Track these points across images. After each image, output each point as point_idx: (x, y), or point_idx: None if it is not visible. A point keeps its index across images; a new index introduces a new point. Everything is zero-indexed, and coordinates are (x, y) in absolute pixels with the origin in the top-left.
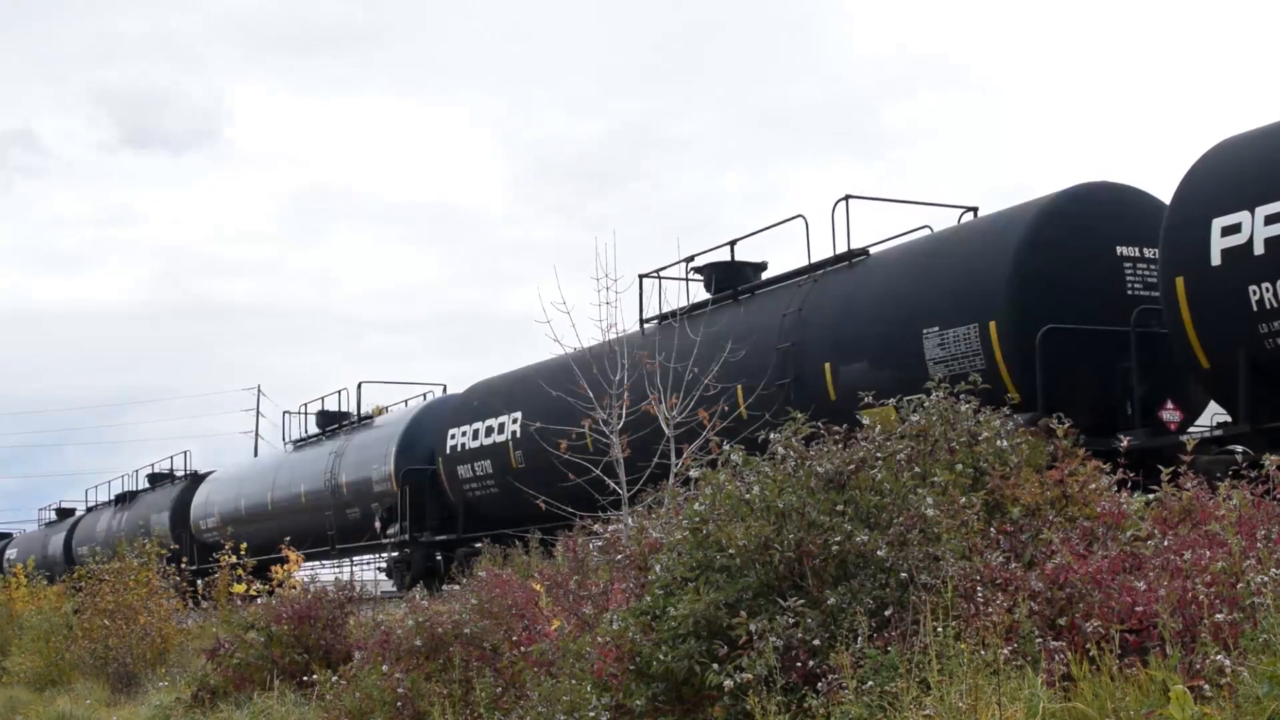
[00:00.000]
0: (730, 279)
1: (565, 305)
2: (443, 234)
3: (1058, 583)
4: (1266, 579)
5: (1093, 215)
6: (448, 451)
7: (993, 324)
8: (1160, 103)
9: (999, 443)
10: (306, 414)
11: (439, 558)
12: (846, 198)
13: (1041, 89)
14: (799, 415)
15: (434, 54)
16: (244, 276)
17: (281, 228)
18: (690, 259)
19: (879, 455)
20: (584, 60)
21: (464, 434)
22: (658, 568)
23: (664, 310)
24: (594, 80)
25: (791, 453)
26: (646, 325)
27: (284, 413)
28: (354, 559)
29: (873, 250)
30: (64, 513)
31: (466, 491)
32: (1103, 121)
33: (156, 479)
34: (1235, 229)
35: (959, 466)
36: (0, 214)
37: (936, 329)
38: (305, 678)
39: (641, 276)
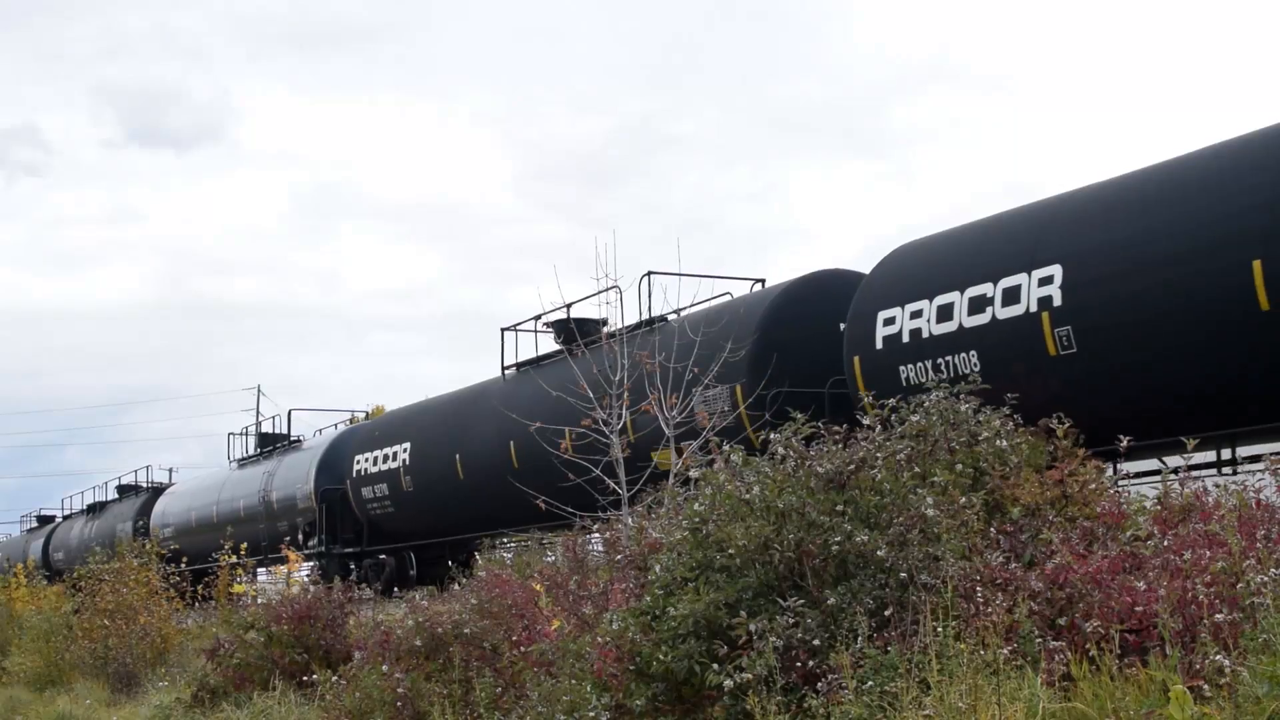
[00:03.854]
0: (574, 334)
1: (564, 306)
2: (447, 233)
3: (1058, 583)
4: (1266, 579)
5: (821, 297)
6: (354, 475)
7: (739, 387)
8: (1167, 100)
9: (999, 443)
10: (248, 435)
11: (351, 567)
12: (649, 273)
13: (1049, 87)
14: (798, 415)
15: (437, 52)
16: (247, 275)
17: (285, 226)
18: (538, 317)
19: (879, 455)
20: (587, 59)
21: (368, 460)
22: (657, 568)
23: (520, 360)
24: (597, 78)
25: (791, 453)
26: (507, 372)
27: (229, 434)
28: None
29: (672, 317)
30: (44, 519)
31: (369, 510)
32: (1110, 120)
33: (124, 490)
34: (892, 320)
35: (959, 466)
36: (2, 212)
37: (702, 389)
38: (305, 678)
39: (503, 330)
